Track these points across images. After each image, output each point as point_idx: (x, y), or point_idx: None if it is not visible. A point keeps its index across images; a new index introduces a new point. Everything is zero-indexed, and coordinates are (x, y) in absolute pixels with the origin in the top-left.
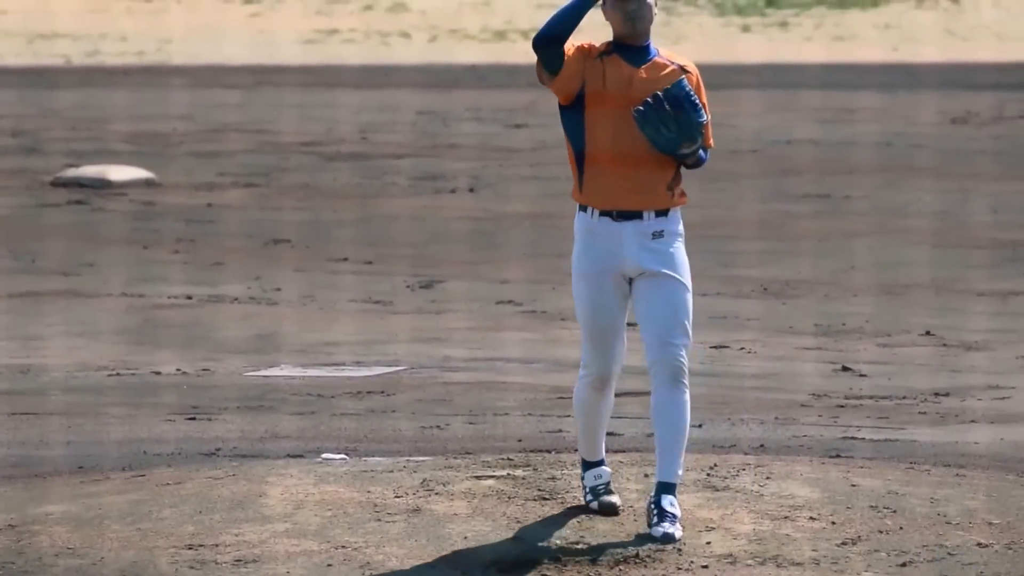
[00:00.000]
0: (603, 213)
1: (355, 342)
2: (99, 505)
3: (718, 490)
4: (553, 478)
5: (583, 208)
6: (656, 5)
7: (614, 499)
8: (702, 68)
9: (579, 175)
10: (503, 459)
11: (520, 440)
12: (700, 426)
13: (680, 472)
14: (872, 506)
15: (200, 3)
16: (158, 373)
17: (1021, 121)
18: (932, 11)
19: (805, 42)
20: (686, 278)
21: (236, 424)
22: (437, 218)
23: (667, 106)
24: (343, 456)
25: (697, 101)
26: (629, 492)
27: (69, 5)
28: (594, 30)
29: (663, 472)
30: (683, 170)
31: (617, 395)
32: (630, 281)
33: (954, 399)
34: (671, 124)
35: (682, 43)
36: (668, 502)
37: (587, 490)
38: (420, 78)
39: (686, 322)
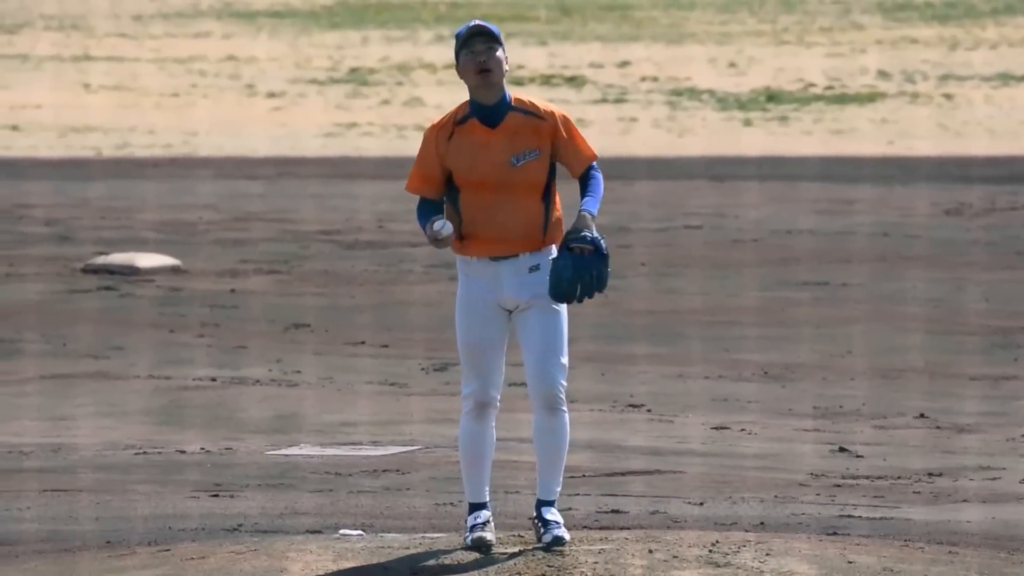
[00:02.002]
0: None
1: (372, 422)
2: None
3: (719, 566)
4: (562, 554)
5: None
6: (507, 61)
7: (486, 535)
8: (705, 160)
9: (458, 235)
10: (514, 536)
11: (531, 518)
12: (702, 504)
13: (558, 490)
14: None
15: (225, 98)
16: (183, 452)
17: (1012, 213)
18: (926, 107)
19: (804, 136)
20: (562, 312)
21: (257, 501)
22: (451, 304)
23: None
24: (360, 532)
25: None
26: (635, 568)
27: (101, 100)
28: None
29: (543, 491)
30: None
31: (620, 474)
32: (510, 313)
33: (947, 479)
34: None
35: (687, 136)
36: (548, 512)
37: (467, 528)
38: None
39: (560, 350)
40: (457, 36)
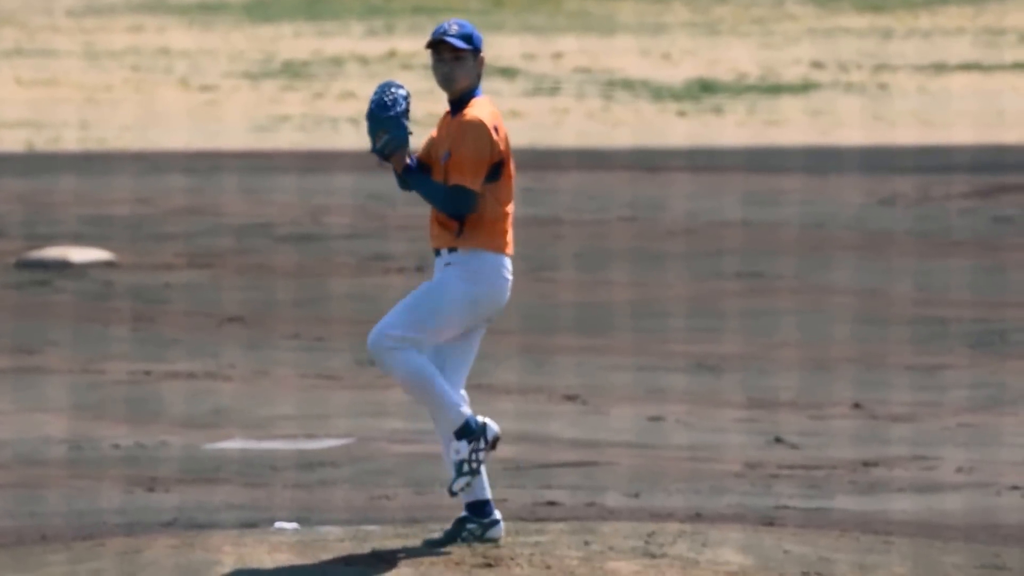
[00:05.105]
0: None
1: (306, 415)
2: (59, 574)
3: (655, 557)
4: (497, 546)
5: (501, 252)
6: (481, 63)
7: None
8: (639, 152)
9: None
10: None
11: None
12: (637, 495)
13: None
14: (804, 572)
15: (158, 91)
16: (117, 446)
17: (945, 203)
18: (860, 96)
19: (738, 127)
20: (437, 287)
21: (192, 494)
22: (385, 297)
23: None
24: (295, 525)
25: (380, 107)
26: (571, 560)
27: (33, 94)
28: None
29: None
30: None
31: (555, 466)
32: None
33: (882, 469)
34: (377, 130)
35: (620, 127)
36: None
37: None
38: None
39: (402, 312)
40: (433, 33)
